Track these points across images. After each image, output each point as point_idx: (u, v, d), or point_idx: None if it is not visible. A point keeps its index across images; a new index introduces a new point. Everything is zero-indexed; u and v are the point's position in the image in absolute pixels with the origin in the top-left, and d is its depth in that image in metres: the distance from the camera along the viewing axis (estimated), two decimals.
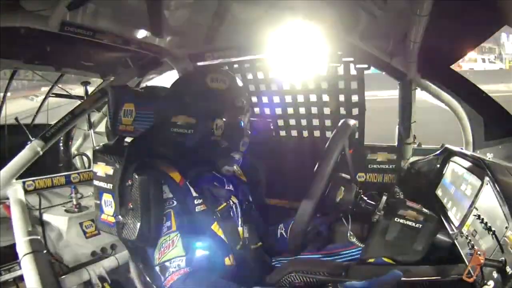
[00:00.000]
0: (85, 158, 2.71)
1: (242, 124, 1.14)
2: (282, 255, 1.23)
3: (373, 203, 1.07)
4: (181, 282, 0.92)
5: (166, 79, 2.15)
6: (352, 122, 1.13)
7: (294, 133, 1.95)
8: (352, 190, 1.05)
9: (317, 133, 1.89)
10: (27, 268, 1.26)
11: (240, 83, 1.17)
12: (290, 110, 1.89)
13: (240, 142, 1.13)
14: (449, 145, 1.50)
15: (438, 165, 1.46)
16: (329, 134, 1.83)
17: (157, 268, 0.98)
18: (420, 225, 0.98)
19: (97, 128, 2.65)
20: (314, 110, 1.83)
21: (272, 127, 1.97)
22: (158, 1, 1.40)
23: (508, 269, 0.71)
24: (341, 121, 1.13)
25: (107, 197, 0.99)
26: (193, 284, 0.92)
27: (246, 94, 1.19)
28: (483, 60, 17.86)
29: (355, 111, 1.71)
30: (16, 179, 1.62)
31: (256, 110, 2.00)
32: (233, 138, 1.11)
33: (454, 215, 1.08)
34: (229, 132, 1.09)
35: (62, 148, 2.47)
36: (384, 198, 1.06)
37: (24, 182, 1.61)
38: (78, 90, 2.48)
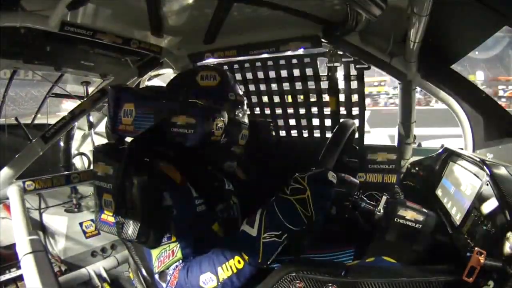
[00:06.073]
0: (85, 158, 2.71)
1: (239, 117, 1.15)
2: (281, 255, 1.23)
3: (373, 203, 1.07)
4: (184, 276, 0.94)
5: (166, 79, 2.15)
6: (352, 122, 1.13)
7: (294, 133, 1.95)
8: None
9: (317, 133, 1.89)
10: (27, 268, 1.25)
11: (231, 76, 1.18)
12: (290, 110, 1.89)
13: (239, 135, 1.14)
14: (449, 145, 1.50)
15: (438, 165, 1.46)
16: (329, 134, 1.83)
17: (157, 276, 1.00)
18: (420, 225, 0.99)
19: (97, 128, 2.65)
20: (314, 110, 1.83)
21: (272, 127, 1.97)
22: (158, 1, 1.40)
23: (508, 269, 0.71)
24: (341, 121, 1.13)
25: (107, 197, 0.99)
26: (195, 267, 0.94)
27: (238, 86, 1.19)
28: None
29: (355, 111, 1.71)
30: (16, 179, 1.61)
31: (256, 110, 2.00)
32: (231, 132, 1.11)
33: (454, 215, 1.08)
34: (227, 127, 1.09)
35: (62, 148, 2.47)
36: (384, 198, 1.06)
37: (24, 182, 1.61)
38: (78, 90, 2.48)
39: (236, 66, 1.88)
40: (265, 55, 1.76)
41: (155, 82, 2.39)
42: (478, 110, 1.40)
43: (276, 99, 1.90)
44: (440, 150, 1.53)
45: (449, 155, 1.39)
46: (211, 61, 1.85)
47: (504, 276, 0.71)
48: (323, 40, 1.53)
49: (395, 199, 1.06)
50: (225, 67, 1.90)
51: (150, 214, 0.94)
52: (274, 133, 1.98)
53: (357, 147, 1.67)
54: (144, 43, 1.67)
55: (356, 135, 1.57)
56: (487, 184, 0.92)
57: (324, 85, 1.73)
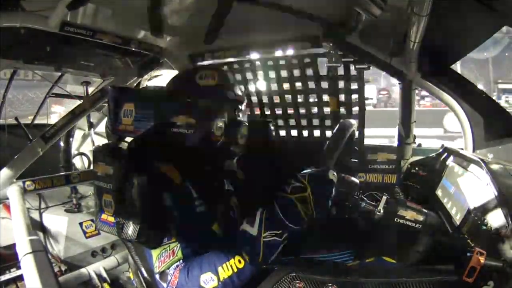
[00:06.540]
0: (85, 158, 2.71)
1: (238, 117, 1.15)
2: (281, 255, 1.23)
3: (373, 203, 1.07)
4: (184, 276, 0.95)
5: (166, 79, 2.15)
6: (352, 122, 1.13)
7: (294, 133, 1.95)
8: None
9: (317, 133, 1.89)
10: (27, 268, 1.26)
11: (230, 76, 1.18)
12: (290, 110, 1.89)
13: (239, 135, 1.14)
14: (449, 145, 1.50)
15: (438, 165, 1.46)
16: (329, 134, 1.83)
17: (157, 276, 1.01)
18: (420, 225, 0.99)
19: (97, 128, 2.65)
20: (314, 110, 1.83)
21: (272, 127, 1.97)
22: (158, 1, 1.40)
23: (508, 269, 0.71)
24: (341, 121, 1.13)
25: (107, 197, 0.99)
26: (195, 267, 0.95)
27: (238, 86, 1.19)
28: None
29: (355, 111, 1.71)
30: (16, 179, 1.61)
31: (256, 110, 2.00)
32: (231, 132, 1.11)
33: (454, 215, 1.08)
34: (227, 127, 1.09)
35: (62, 148, 2.46)
36: (384, 198, 1.06)
37: (24, 182, 1.61)
38: (78, 90, 2.48)
39: (236, 66, 1.88)
40: (264, 55, 1.76)
41: (155, 82, 2.38)
42: (478, 110, 1.40)
43: (276, 99, 1.90)
44: (440, 150, 1.53)
45: (449, 155, 1.39)
46: (211, 61, 1.85)
47: (504, 276, 0.71)
48: (323, 40, 1.53)
49: (395, 199, 1.06)
50: (225, 67, 1.90)
51: (150, 214, 0.94)
52: (274, 133, 1.98)
53: (357, 148, 1.67)
54: (144, 43, 1.67)
55: (356, 135, 1.57)
56: (487, 184, 0.92)
57: (324, 85, 1.73)
